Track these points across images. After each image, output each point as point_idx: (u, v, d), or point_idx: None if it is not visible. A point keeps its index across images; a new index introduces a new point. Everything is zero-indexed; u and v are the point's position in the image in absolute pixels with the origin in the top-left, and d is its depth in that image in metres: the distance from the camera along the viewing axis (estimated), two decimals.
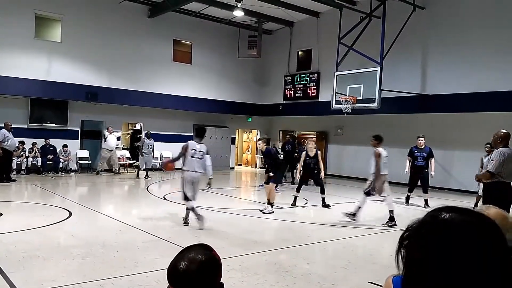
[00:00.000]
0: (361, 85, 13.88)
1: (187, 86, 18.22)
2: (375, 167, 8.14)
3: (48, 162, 15.20)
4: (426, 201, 10.66)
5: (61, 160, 15.51)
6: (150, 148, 15.50)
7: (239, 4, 15.51)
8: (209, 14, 18.08)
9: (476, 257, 0.90)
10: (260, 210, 9.23)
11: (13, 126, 13.08)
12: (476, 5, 13.25)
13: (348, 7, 15.23)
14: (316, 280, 4.95)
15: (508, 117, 11.72)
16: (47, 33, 15.57)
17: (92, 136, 16.72)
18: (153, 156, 16.06)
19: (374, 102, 13.43)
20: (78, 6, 15.58)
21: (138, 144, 16.40)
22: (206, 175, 7.67)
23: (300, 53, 19.59)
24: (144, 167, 15.43)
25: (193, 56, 18.74)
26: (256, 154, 20.99)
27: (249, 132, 22.94)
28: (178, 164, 8.23)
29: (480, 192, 8.81)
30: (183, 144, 7.71)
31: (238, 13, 16.18)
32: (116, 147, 16.84)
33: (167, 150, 18.22)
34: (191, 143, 7.55)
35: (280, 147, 17.01)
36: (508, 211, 1.64)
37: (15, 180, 12.94)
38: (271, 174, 9.36)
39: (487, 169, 5.74)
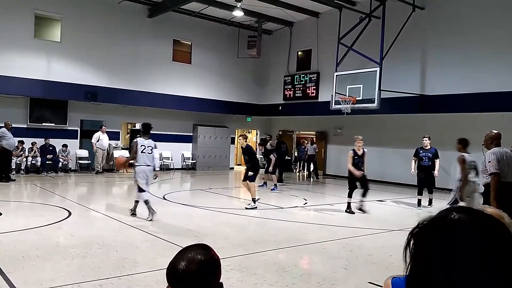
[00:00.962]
0: (361, 86, 13.88)
1: (187, 86, 18.22)
2: (461, 174, 7.41)
3: (47, 162, 15.18)
4: (430, 201, 10.66)
5: (61, 159, 15.50)
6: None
7: (238, 4, 15.51)
8: (208, 14, 18.08)
9: (476, 257, 0.91)
10: (246, 208, 9.57)
11: (13, 125, 13.07)
12: (475, 6, 13.25)
13: (347, 7, 15.24)
14: (315, 280, 4.95)
15: (507, 118, 11.74)
16: (47, 33, 15.56)
17: (91, 136, 16.71)
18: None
19: (374, 102, 13.43)
20: (77, 6, 15.58)
21: None
22: (154, 168, 8.22)
23: (299, 53, 19.59)
24: None
25: (192, 56, 18.74)
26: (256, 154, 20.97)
27: (249, 132, 22.94)
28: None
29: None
30: (132, 142, 8.39)
31: (238, 13, 16.18)
32: (115, 147, 16.83)
33: (167, 150, 18.25)
34: (140, 140, 8.18)
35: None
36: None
37: (14, 180, 12.93)
38: (250, 173, 9.74)
39: (490, 172, 5.55)
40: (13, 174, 13.72)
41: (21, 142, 14.42)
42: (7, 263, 5.03)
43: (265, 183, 13.90)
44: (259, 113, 20.58)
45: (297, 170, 20.76)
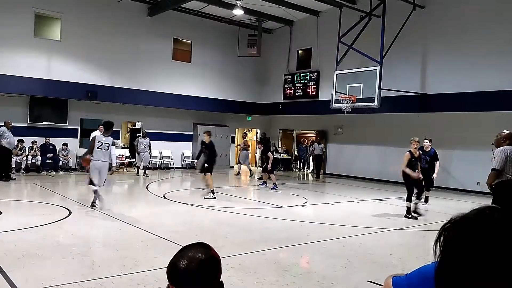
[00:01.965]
0: (361, 84, 13.88)
1: (187, 85, 18.21)
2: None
3: (47, 161, 15.19)
4: (426, 198, 10.66)
5: (61, 158, 15.50)
6: (145, 146, 15.82)
7: (239, 3, 15.50)
8: (209, 13, 18.06)
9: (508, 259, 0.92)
10: (205, 198, 10.41)
11: (13, 124, 13.06)
12: (476, 5, 13.24)
13: (348, 6, 15.23)
14: (315, 279, 4.96)
15: (508, 117, 11.73)
16: (47, 32, 15.54)
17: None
18: (151, 154, 16.33)
19: (374, 101, 13.43)
20: (77, 4, 15.57)
21: (134, 143, 16.58)
22: (112, 163, 8.83)
23: (300, 52, 19.58)
24: (142, 166, 15.86)
25: (192, 54, 18.73)
26: (256, 153, 21.00)
27: (249, 131, 22.92)
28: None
29: None
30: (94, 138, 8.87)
31: (238, 12, 16.17)
32: (116, 146, 16.81)
33: (167, 149, 18.25)
34: (98, 136, 8.81)
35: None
36: None
37: (14, 179, 12.93)
38: (206, 165, 10.62)
39: (491, 167, 5.85)
40: (13, 173, 13.73)
41: (21, 141, 14.42)
42: (7, 261, 5.03)
43: (264, 182, 13.90)
44: (259, 112, 20.57)
45: (298, 169, 20.79)
